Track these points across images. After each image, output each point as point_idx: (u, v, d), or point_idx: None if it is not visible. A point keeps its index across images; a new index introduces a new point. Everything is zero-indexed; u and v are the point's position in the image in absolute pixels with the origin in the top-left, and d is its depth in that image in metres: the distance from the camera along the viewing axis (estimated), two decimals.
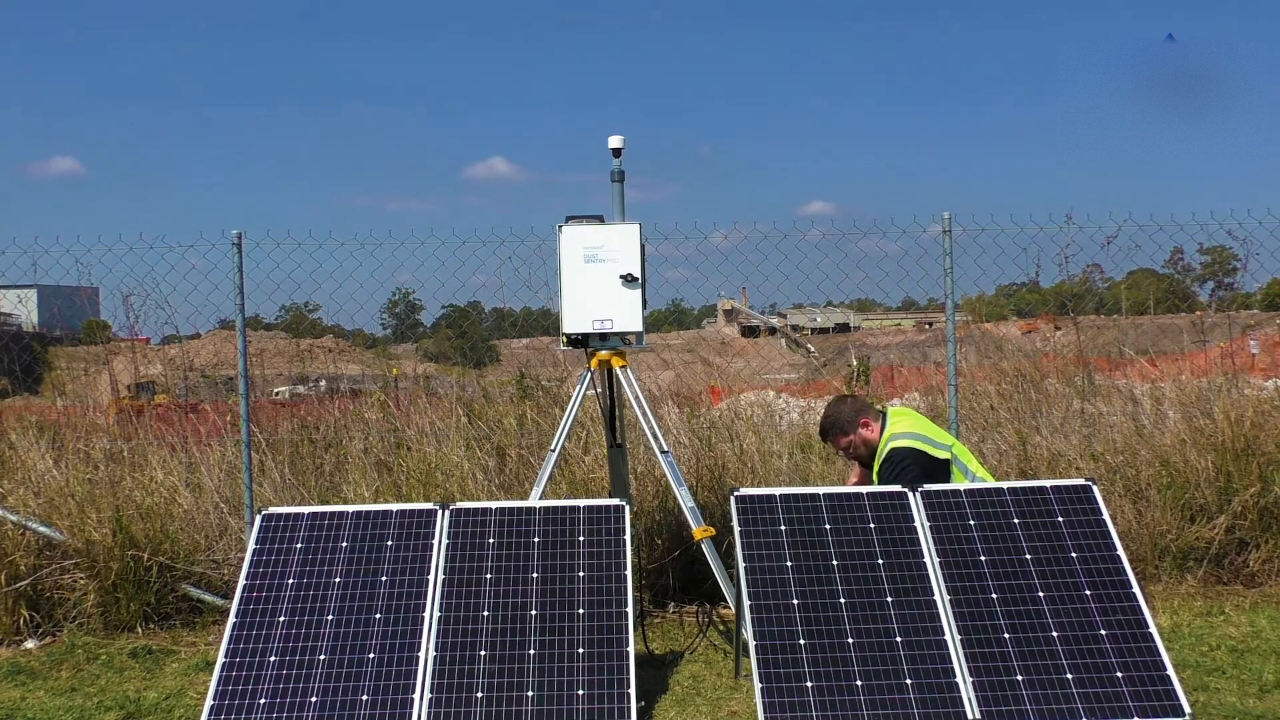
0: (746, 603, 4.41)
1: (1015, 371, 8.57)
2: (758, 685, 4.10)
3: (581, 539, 4.69)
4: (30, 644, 6.13)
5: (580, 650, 4.32)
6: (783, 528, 4.63)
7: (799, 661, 4.18)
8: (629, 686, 4.19)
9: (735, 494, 4.75)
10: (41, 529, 6.44)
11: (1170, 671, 4.14)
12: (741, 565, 4.51)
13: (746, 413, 8.30)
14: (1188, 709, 4.01)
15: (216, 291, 6.98)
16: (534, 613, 4.44)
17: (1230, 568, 6.73)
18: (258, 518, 4.83)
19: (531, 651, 4.32)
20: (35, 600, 6.32)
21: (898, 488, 4.82)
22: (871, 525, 4.64)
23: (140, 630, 6.23)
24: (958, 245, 6.91)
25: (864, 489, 4.87)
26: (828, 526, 4.64)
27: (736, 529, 4.64)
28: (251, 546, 4.70)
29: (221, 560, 6.67)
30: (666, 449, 5.53)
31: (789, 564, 4.51)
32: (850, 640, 4.26)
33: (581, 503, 4.85)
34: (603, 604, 4.47)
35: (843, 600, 4.39)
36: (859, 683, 4.11)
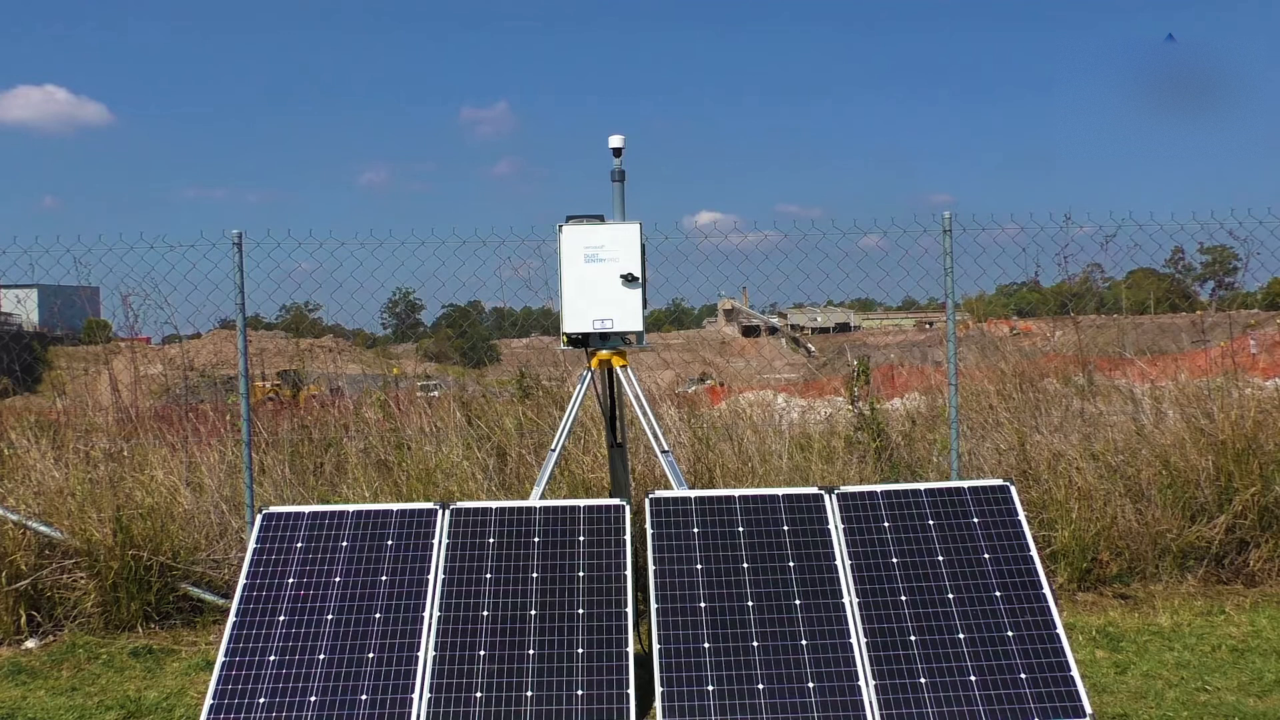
0: (654, 607, 4.37)
1: (1014, 372, 8.57)
2: (658, 689, 4.10)
3: (581, 539, 4.69)
4: (31, 643, 6.13)
5: (579, 650, 4.31)
6: (695, 530, 4.61)
7: (702, 665, 4.17)
8: (628, 687, 4.18)
9: (650, 497, 4.71)
10: (42, 529, 6.45)
11: (1074, 672, 4.12)
12: (651, 569, 4.47)
13: (747, 412, 8.31)
14: (1088, 709, 4.01)
15: (217, 291, 7.00)
16: (533, 613, 4.44)
17: (1231, 567, 6.73)
18: (258, 517, 4.83)
19: (531, 651, 4.32)
20: (36, 600, 6.33)
21: (813, 489, 4.76)
22: (785, 528, 4.61)
23: (141, 630, 6.23)
24: (958, 245, 6.93)
25: (781, 490, 4.82)
26: (741, 529, 4.62)
27: (649, 533, 4.59)
28: (252, 546, 4.70)
29: (222, 560, 6.68)
30: (667, 449, 5.53)
31: (699, 567, 4.48)
32: (755, 644, 4.23)
33: (581, 503, 4.84)
34: (602, 604, 4.47)
35: (750, 603, 4.37)
36: (761, 686, 4.11)
